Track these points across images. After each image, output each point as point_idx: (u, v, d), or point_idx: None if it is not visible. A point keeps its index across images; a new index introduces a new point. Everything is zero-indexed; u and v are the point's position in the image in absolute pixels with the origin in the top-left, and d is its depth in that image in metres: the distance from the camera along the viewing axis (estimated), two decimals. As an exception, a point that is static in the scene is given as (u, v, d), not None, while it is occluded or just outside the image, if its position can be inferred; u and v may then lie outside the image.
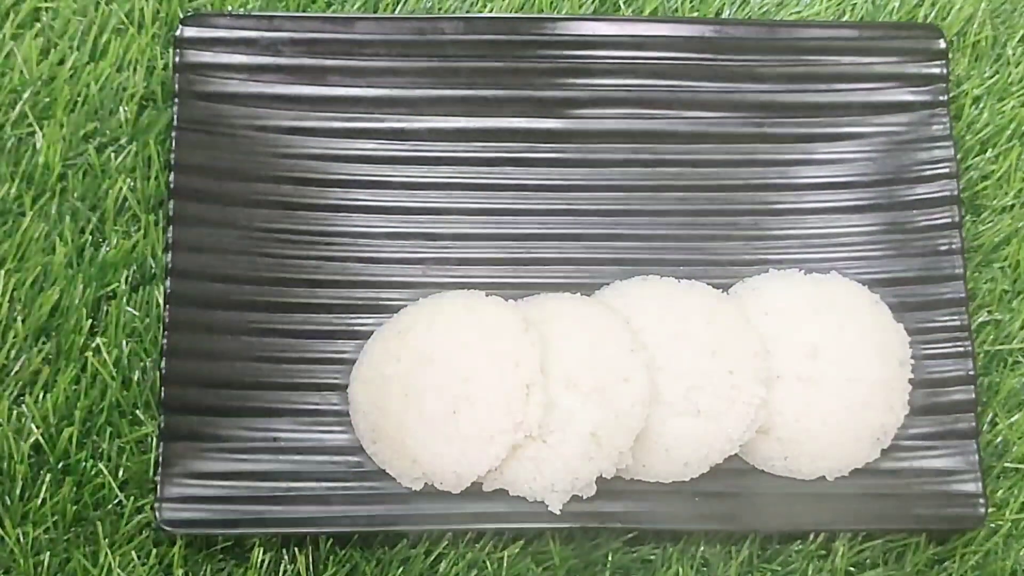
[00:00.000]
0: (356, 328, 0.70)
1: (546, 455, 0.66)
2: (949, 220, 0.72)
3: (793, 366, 0.68)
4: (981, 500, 0.69)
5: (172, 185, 0.69)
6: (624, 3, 0.77)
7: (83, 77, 0.72)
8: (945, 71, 0.74)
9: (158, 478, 0.65)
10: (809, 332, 0.69)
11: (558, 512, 0.66)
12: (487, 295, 0.69)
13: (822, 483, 0.69)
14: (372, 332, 0.69)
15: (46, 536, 0.66)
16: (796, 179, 0.74)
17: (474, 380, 0.65)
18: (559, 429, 0.65)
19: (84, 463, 0.67)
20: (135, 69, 0.73)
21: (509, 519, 0.66)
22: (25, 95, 0.72)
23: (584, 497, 0.67)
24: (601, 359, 0.66)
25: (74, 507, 0.66)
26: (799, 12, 0.78)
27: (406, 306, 0.69)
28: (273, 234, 0.70)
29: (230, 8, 0.75)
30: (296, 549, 0.67)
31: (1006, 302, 0.74)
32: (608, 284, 0.71)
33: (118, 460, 0.67)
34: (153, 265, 0.70)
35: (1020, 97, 0.77)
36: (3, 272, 0.69)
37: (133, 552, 0.66)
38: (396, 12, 0.76)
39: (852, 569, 0.69)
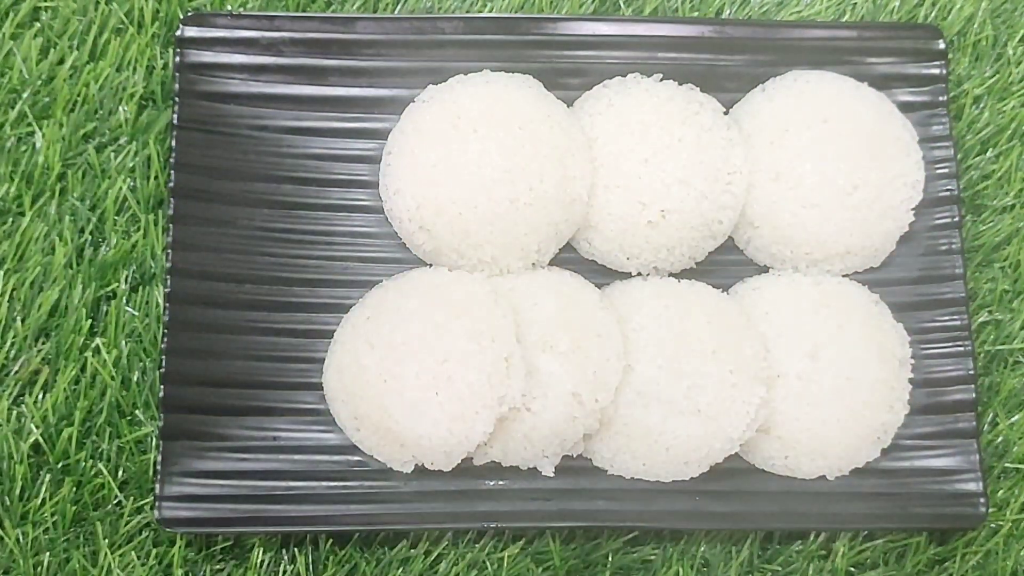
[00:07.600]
0: (356, 328, 0.70)
1: (532, 423, 0.66)
2: (949, 220, 0.72)
3: (793, 366, 0.68)
4: (982, 500, 0.68)
5: (172, 185, 0.69)
6: (624, 3, 0.77)
7: (83, 77, 0.72)
8: (945, 71, 0.74)
9: (158, 477, 0.65)
10: (809, 332, 0.69)
11: (551, 475, 0.67)
12: (449, 270, 0.69)
13: (822, 482, 0.69)
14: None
15: (46, 536, 0.66)
16: (796, 179, 0.74)
17: (452, 360, 0.65)
18: (541, 395, 0.66)
19: (84, 463, 0.67)
20: (135, 69, 0.73)
21: (509, 519, 0.66)
22: (25, 95, 0.72)
23: (575, 455, 0.68)
24: (573, 319, 0.67)
25: (74, 507, 0.66)
26: (799, 12, 0.78)
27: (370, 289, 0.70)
28: (273, 234, 0.70)
29: (230, 8, 0.74)
30: (296, 549, 0.67)
31: (1006, 302, 0.74)
32: (608, 284, 0.71)
33: (118, 460, 0.67)
34: (153, 265, 0.70)
35: (1020, 97, 0.77)
36: (3, 272, 0.69)
37: (133, 552, 0.66)
38: (396, 12, 0.76)
39: (852, 569, 0.69)
